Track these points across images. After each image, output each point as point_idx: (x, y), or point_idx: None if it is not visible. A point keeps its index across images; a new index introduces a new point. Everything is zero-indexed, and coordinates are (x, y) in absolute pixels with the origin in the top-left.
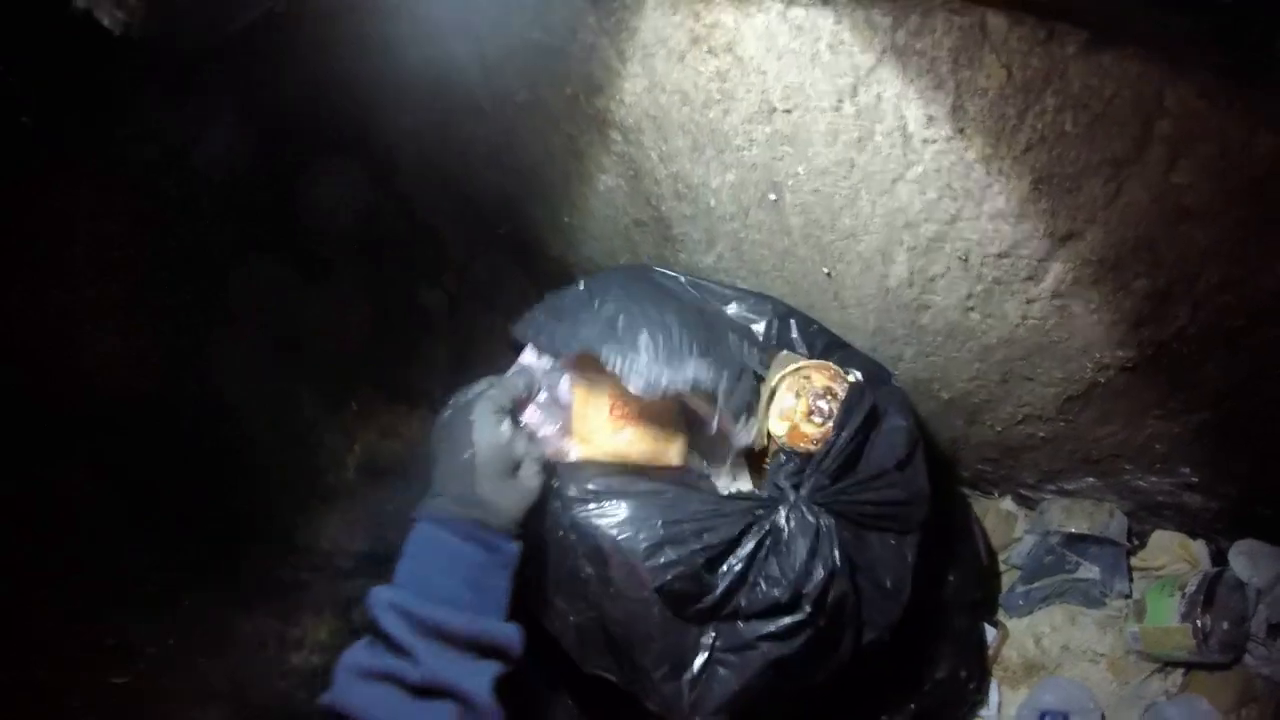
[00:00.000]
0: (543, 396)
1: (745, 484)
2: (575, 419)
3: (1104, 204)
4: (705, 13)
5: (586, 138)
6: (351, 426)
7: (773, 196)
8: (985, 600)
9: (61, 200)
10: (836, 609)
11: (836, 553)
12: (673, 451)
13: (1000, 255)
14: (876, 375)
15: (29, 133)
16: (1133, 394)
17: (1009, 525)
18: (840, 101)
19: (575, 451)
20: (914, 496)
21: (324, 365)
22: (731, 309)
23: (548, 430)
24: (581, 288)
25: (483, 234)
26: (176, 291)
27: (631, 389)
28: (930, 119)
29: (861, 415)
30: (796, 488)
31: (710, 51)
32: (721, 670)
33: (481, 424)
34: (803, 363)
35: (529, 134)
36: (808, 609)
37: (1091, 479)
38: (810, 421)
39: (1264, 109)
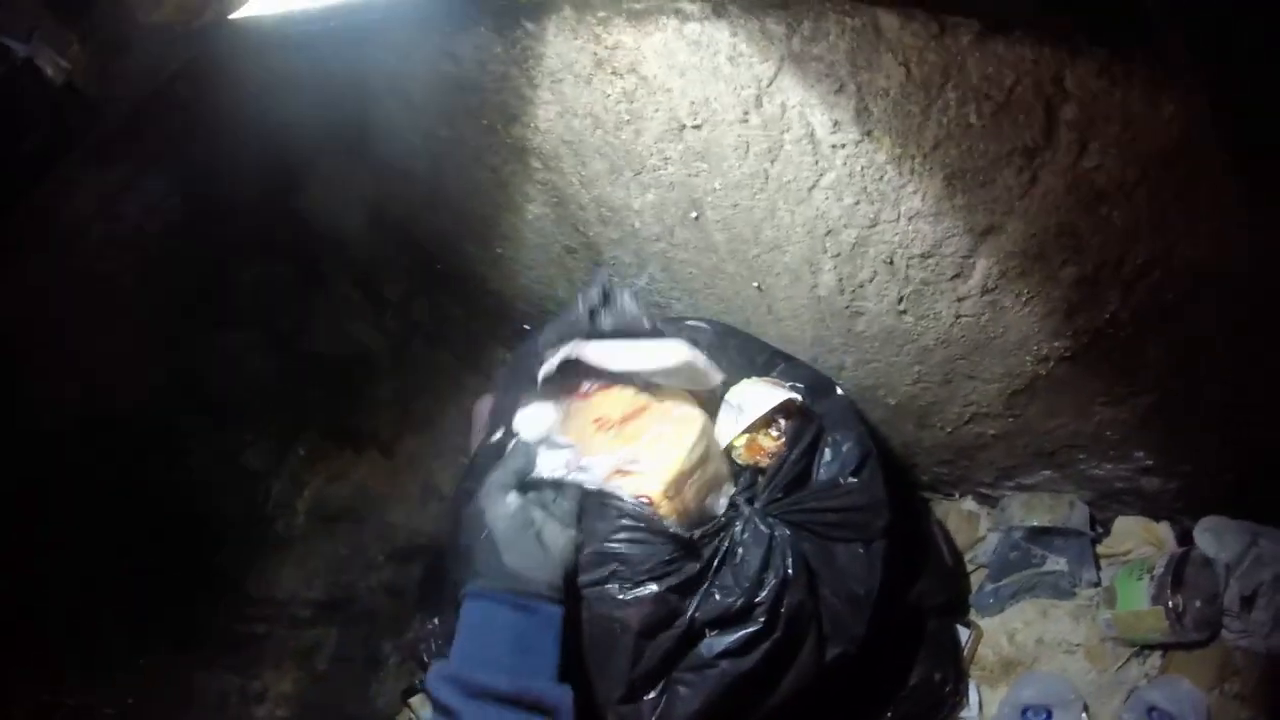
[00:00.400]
0: (561, 450)
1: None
2: (581, 447)
3: (1019, 194)
4: (605, 35)
5: (509, 168)
6: (300, 473)
7: (694, 214)
8: (955, 602)
9: None
10: (793, 619)
11: (790, 562)
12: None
13: (924, 255)
14: (822, 386)
15: None
16: (1076, 384)
17: (972, 525)
18: (746, 113)
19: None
20: (871, 503)
21: (268, 413)
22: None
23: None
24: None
25: (422, 272)
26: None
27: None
28: (836, 124)
29: (811, 432)
30: (750, 502)
31: (615, 73)
32: (682, 689)
33: (490, 504)
34: (764, 379)
35: (456, 169)
36: (761, 620)
37: (1048, 472)
38: (767, 434)
39: (1164, 80)
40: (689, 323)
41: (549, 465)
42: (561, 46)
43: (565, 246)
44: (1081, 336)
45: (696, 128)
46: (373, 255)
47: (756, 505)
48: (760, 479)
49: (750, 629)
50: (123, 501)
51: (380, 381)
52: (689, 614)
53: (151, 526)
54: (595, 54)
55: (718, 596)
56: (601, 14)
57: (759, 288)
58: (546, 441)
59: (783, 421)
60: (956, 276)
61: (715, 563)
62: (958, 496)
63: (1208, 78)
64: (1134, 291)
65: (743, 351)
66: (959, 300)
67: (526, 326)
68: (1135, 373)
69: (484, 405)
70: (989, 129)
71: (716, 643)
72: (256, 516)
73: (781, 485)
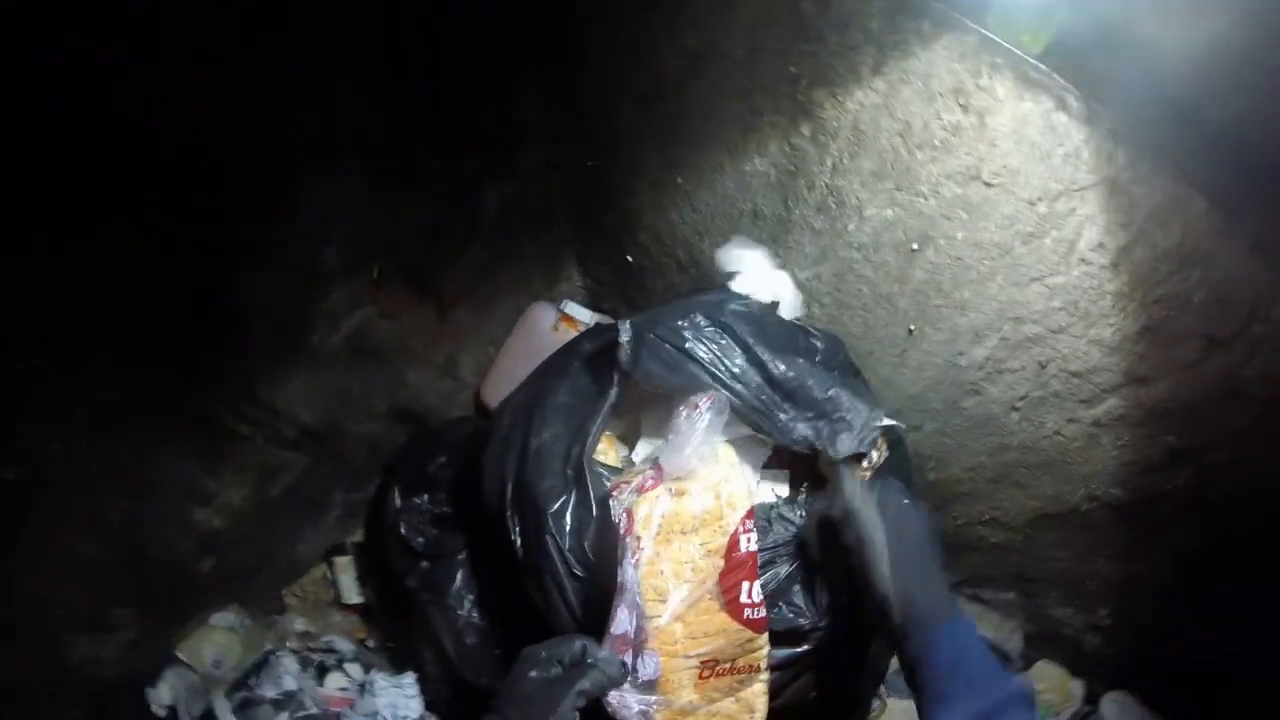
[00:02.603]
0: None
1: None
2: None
3: (1184, 367)
4: (985, 76)
5: (772, 119)
6: (362, 292)
7: (914, 246)
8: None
9: None
10: (830, 647)
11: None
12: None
13: (1075, 374)
14: (895, 438)
15: None
16: (1100, 530)
17: None
18: (1039, 199)
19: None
20: None
21: (366, 223)
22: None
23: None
24: None
25: (567, 159)
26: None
27: None
28: (1100, 245)
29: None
30: None
31: (963, 106)
32: None
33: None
34: None
35: (713, 87)
36: (808, 645)
37: (1012, 595)
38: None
39: None
40: (811, 330)
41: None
42: (938, 58)
43: (756, 210)
44: (1138, 494)
45: (988, 185)
46: (530, 120)
47: None
48: None
49: (801, 649)
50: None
51: (472, 242)
52: None
53: (208, 278)
54: (961, 82)
55: (787, 613)
56: (999, 60)
57: (911, 331)
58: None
59: (875, 455)
60: (1084, 401)
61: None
62: None
63: None
64: (1207, 482)
65: (845, 373)
66: (1069, 421)
67: (629, 259)
68: (1152, 543)
69: (537, 313)
70: (1201, 311)
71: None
72: (304, 318)
73: None
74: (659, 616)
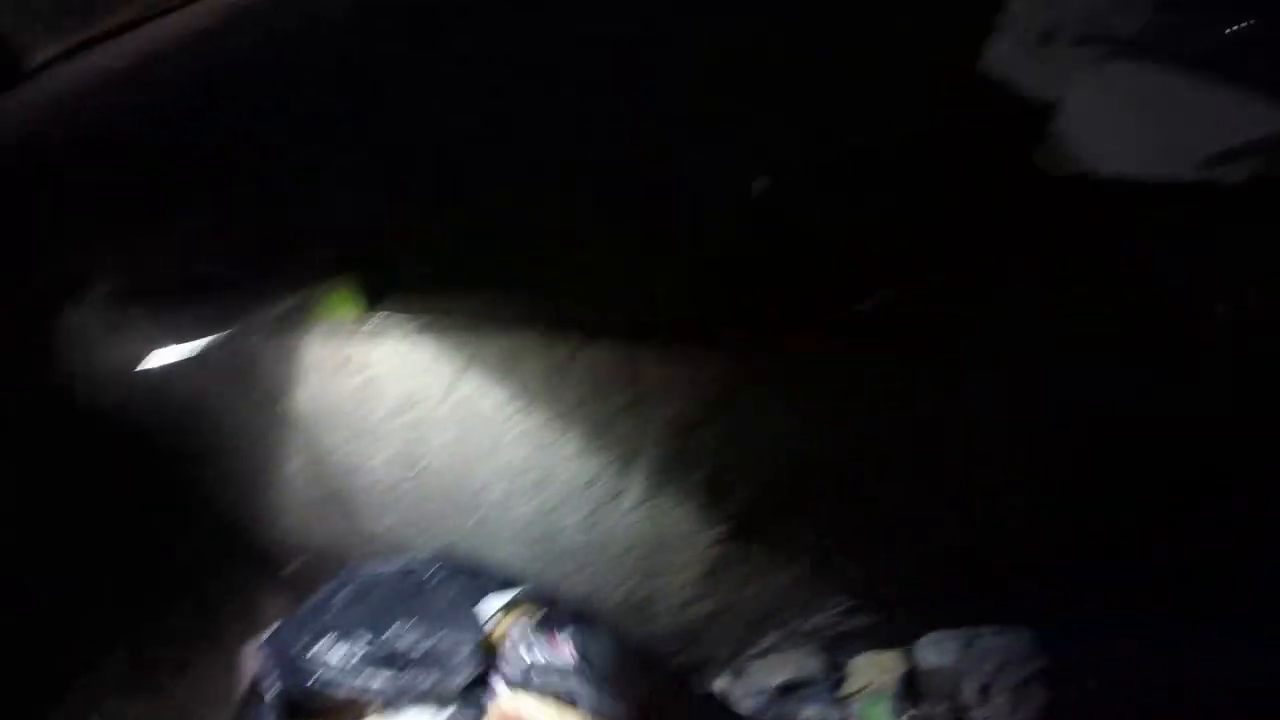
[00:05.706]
0: None
1: None
2: None
3: (642, 431)
4: (347, 346)
5: (274, 434)
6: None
7: (422, 464)
8: None
9: None
10: None
11: None
12: None
13: (589, 484)
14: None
15: None
16: (747, 556)
17: None
18: (448, 394)
19: None
20: None
21: None
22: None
23: None
24: None
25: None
26: None
27: None
28: (509, 397)
29: None
30: None
31: (354, 371)
32: None
33: None
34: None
35: (222, 438)
36: None
37: (774, 635)
38: None
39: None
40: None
41: None
42: (316, 349)
43: (320, 496)
44: (731, 521)
45: (414, 405)
46: None
47: None
48: None
49: None
50: None
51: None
52: None
53: None
54: (339, 356)
55: None
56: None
57: (477, 521)
58: None
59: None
60: (616, 497)
61: None
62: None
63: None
64: (749, 485)
65: (459, 581)
66: (627, 511)
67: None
68: (789, 541)
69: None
70: (601, 392)
71: None
72: None
73: None
74: None
